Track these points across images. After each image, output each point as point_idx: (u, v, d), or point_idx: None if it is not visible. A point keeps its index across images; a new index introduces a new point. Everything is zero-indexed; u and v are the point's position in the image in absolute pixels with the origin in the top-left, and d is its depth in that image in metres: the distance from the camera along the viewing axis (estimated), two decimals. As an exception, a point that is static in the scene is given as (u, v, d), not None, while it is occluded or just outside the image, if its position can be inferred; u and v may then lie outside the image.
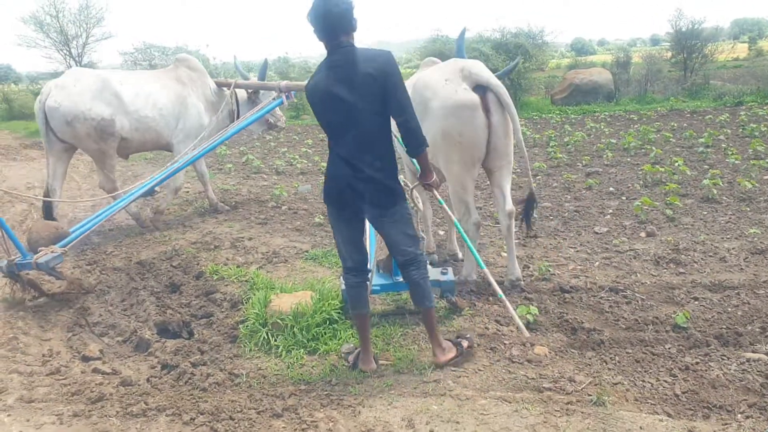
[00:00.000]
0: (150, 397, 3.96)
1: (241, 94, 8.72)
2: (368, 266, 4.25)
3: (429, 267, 4.58)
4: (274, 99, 8.08)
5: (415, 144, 3.83)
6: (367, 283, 4.21)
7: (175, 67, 8.52)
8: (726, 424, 3.43)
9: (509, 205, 5.29)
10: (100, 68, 15.03)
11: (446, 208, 4.95)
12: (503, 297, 4.60)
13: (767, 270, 5.65)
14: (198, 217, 8.56)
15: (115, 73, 8.21)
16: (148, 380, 4.22)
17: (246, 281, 5.76)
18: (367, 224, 4.26)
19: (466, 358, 4.17)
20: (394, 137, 4.01)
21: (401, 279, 4.55)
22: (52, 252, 5.57)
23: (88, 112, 7.25)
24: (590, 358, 4.22)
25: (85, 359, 4.58)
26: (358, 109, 3.67)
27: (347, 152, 3.78)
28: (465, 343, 4.21)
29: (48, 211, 7.54)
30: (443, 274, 4.97)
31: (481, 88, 5.04)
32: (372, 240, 5.09)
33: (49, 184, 7.68)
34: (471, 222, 5.33)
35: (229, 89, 8.50)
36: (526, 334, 4.53)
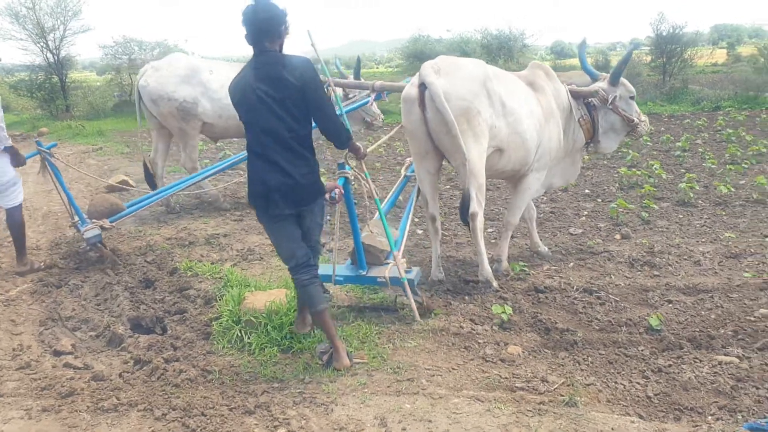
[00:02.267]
0: (122, 392, 3.92)
1: (339, 92, 8.79)
2: (312, 260, 4.24)
3: (393, 266, 4.85)
4: (367, 96, 8.14)
5: (339, 142, 4.21)
6: (317, 277, 4.23)
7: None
8: (696, 425, 3.46)
9: (471, 208, 5.28)
10: (78, 61, 14.87)
11: (370, 185, 4.92)
12: (405, 281, 4.76)
13: (741, 274, 5.72)
14: (173, 213, 8.49)
15: (208, 62, 8.72)
16: (120, 375, 4.17)
17: (220, 278, 5.72)
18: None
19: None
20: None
21: (365, 273, 4.97)
22: (100, 227, 6.36)
23: (173, 94, 7.96)
24: (563, 359, 4.24)
25: (57, 354, 4.52)
26: (275, 111, 3.84)
27: (266, 151, 3.93)
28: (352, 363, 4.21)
29: (150, 181, 8.42)
30: (407, 272, 4.94)
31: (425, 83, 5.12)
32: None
33: (152, 158, 8.56)
34: (427, 214, 5.64)
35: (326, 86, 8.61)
36: (418, 318, 4.71)
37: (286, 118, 3.86)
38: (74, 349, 4.59)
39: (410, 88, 5.28)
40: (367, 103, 8.05)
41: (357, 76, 8.75)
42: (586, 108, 6.15)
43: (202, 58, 9.55)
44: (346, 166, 4.71)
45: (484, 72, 5.30)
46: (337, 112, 7.78)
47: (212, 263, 6.23)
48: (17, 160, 6.10)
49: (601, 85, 6.12)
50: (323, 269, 5.01)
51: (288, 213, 4.01)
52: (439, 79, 5.09)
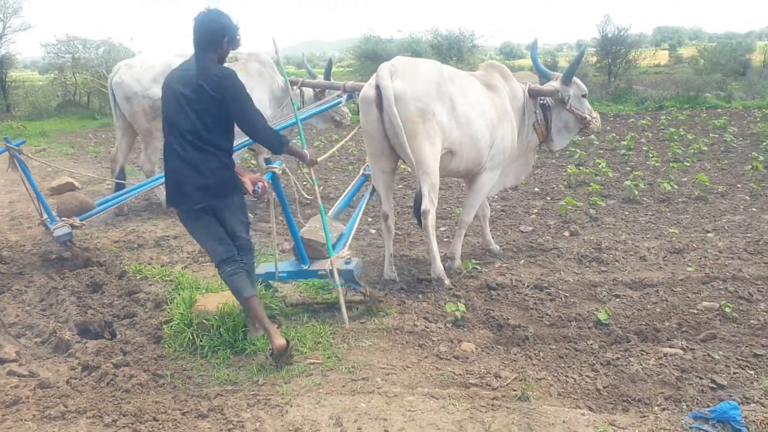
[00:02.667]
0: (69, 399, 3.82)
1: (309, 92, 8.83)
2: (236, 255, 4.34)
3: (335, 257, 4.92)
4: (338, 97, 8.06)
5: (274, 148, 4.37)
6: (243, 267, 4.33)
7: (246, 60, 8.80)
8: (644, 416, 3.56)
9: (423, 205, 5.35)
10: (18, 60, 14.40)
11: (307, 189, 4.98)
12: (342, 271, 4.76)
13: (684, 268, 5.89)
14: (121, 215, 8.31)
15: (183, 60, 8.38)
16: (67, 382, 4.06)
17: (171, 281, 5.64)
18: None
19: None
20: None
21: (307, 267, 5.02)
22: (70, 225, 6.20)
23: (146, 92, 7.87)
24: (515, 354, 4.31)
25: (0, 362, 4.38)
26: (190, 116, 4.04)
27: (179, 149, 4.11)
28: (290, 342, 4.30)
29: (120, 179, 8.31)
30: (346, 263, 4.95)
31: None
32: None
33: (112, 155, 8.65)
34: (380, 213, 5.70)
35: (296, 87, 8.59)
36: (346, 323, 4.70)
37: (198, 124, 4.04)
38: (18, 356, 4.44)
39: (368, 88, 5.31)
40: (339, 103, 8.06)
41: (328, 77, 8.81)
42: (541, 109, 6.25)
43: (177, 56, 9.43)
44: (277, 162, 4.75)
45: (440, 73, 5.35)
46: (307, 114, 7.81)
47: (162, 266, 6.13)
48: None
49: (555, 84, 6.23)
50: (267, 267, 5.09)
51: (201, 206, 4.15)
52: (395, 80, 5.12)
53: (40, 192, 6.39)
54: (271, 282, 5.11)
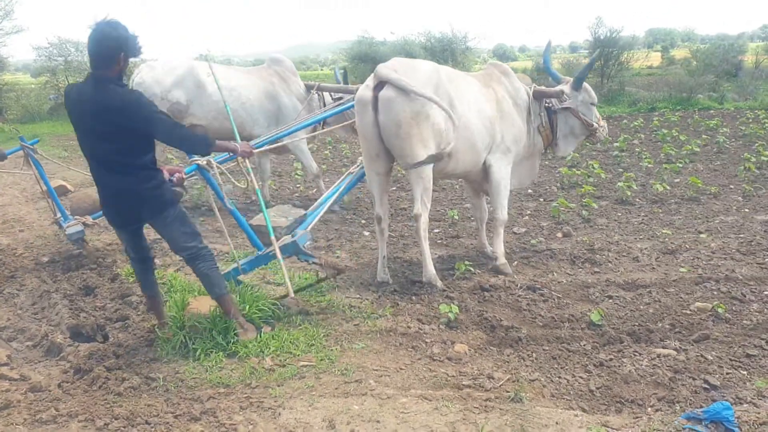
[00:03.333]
0: (61, 402, 3.80)
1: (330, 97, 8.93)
2: (152, 254, 4.69)
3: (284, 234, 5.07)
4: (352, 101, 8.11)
5: (202, 150, 4.35)
6: (152, 268, 4.67)
7: (269, 65, 8.89)
8: (637, 417, 3.56)
9: (415, 209, 5.38)
10: (10, 63, 14.37)
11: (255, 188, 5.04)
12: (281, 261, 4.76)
13: (677, 269, 5.90)
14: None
15: (206, 64, 8.40)
16: (59, 386, 4.04)
17: (163, 284, 5.61)
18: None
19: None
20: None
21: (262, 252, 5.07)
22: (83, 223, 6.35)
23: (166, 94, 7.92)
24: (508, 356, 4.31)
25: (-9, 366, 4.36)
26: (102, 140, 3.96)
27: (103, 172, 4.10)
28: (267, 329, 4.57)
29: None
30: (292, 236, 5.02)
31: (380, 85, 5.17)
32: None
33: None
34: (374, 215, 5.71)
35: (314, 91, 8.75)
36: (291, 294, 4.70)
37: (112, 151, 3.98)
38: (10, 360, 4.42)
39: (364, 90, 5.30)
40: (352, 107, 8.10)
41: (345, 82, 9.16)
42: (547, 112, 6.20)
43: (199, 59, 9.55)
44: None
45: (438, 75, 5.36)
46: (315, 118, 7.72)
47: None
48: None
49: (564, 88, 6.19)
50: (230, 266, 5.17)
51: (134, 221, 4.31)
52: (390, 84, 5.13)
53: (53, 189, 6.58)
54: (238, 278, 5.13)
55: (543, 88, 6.24)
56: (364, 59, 23.11)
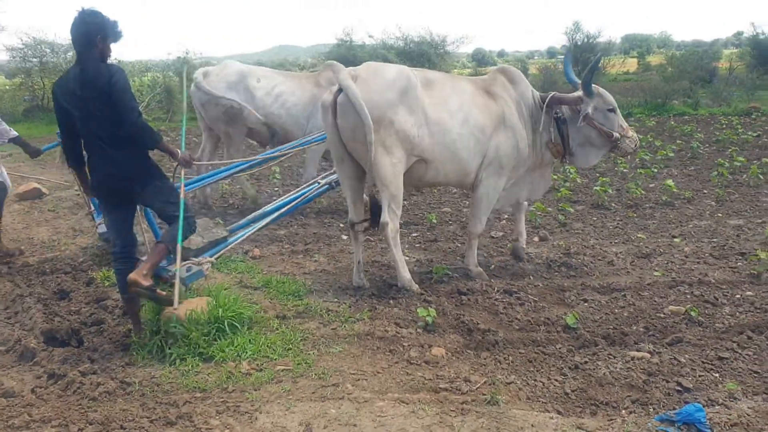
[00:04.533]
0: (34, 408, 3.75)
1: None
2: (136, 254, 4.69)
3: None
4: None
5: (146, 143, 4.46)
6: (134, 269, 4.41)
7: (324, 70, 9.04)
8: (611, 419, 3.60)
9: (382, 217, 5.36)
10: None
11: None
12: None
13: (651, 273, 5.98)
14: (89, 221, 8.20)
15: (258, 69, 8.97)
16: (32, 391, 3.99)
17: (140, 287, 5.55)
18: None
19: (156, 299, 4.47)
20: None
21: (166, 265, 4.90)
22: None
23: (219, 99, 8.15)
24: (485, 359, 4.34)
25: (-37, 371, 4.30)
26: (91, 109, 4.27)
27: (95, 143, 4.39)
28: (162, 293, 4.51)
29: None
30: (187, 270, 4.91)
31: (339, 90, 5.20)
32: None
33: (197, 157, 8.60)
34: (348, 220, 5.70)
35: None
36: (175, 304, 4.44)
37: (99, 115, 4.27)
38: (-18, 365, 4.37)
39: (327, 94, 5.35)
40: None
41: None
42: (556, 123, 5.86)
43: (249, 64, 9.68)
44: None
45: (407, 80, 5.30)
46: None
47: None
48: (30, 151, 6.59)
49: (580, 95, 5.82)
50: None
51: (129, 198, 4.58)
52: (345, 81, 5.16)
53: None
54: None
55: (561, 95, 5.87)
56: (343, 62, 23.12)
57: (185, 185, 5.08)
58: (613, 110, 5.85)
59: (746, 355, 4.27)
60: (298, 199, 6.22)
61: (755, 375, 4.03)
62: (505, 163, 5.70)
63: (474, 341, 4.60)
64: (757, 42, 26.80)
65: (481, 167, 5.67)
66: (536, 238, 7.27)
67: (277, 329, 4.78)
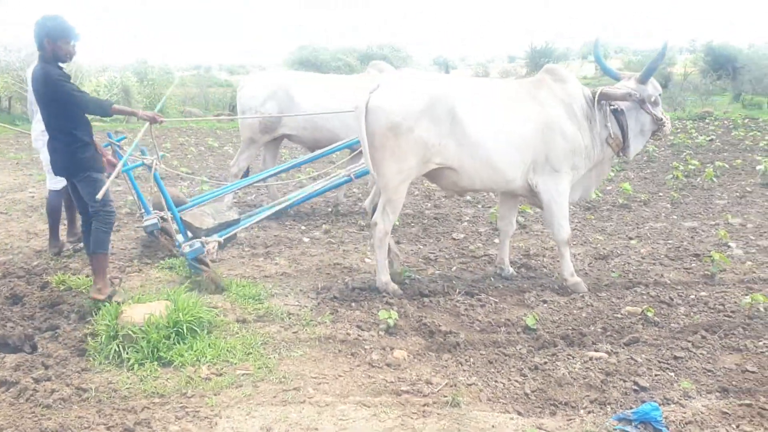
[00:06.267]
0: (-16, 417, 3.65)
1: None
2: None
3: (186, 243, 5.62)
4: None
5: (102, 112, 5.13)
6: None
7: (370, 70, 9.20)
8: (570, 419, 3.65)
9: (374, 216, 5.49)
10: None
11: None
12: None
13: (608, 274, 6.08)
14: (43, 224, 8.00)
15: (298, 75, 9.29)
16: (-18, 400, 3.88)
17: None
18: None
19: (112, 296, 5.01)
20: None
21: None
22: (160, 218, 6.50)
23: (260, 108, 8.37)
24: (446, 360, 4.35)
25: None
26: (41, 104, 5.00)
27: (50, 131, 5.07)
28: (110, 293, 5.08)
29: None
30: (190, 246, 5.57)
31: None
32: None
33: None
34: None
35: None
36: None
37: (45, 108, 4.97)
38: (-70, 373, 4.23)
39: (361, 97, 5.30)
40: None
41: None
42: (614, 115, 5.73)
43: (293, 73, 9.78)
44: (120, 137, 5.88)
45: (438, 89, 5.25)
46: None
47: (87, 276, 5.92)
48: None
49: (629, 84, 5.73)
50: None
51: (66, 179, 5.35)
52: (377, 93, 5.20)
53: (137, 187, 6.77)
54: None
55: (608, 89, 5.67)
56: (305, 64, 23.28)
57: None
58: (660, 96, 5.87)
59: (700, 354, 4.37)
60: (317, 188, 6.75)
61: (709, 374, 4.12)
62: (558, 166, 5.51)
63: (435, 343, 4.61)
64: (711, 49, 27.46)
65: (532, 174, 5.52)
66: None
67: (237, 333, 4.73)
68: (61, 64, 4.96)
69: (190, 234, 5.89)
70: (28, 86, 7.49)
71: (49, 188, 6.73)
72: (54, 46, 4.84)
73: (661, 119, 5.74)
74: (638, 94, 5.59)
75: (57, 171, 5.22)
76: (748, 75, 24.72)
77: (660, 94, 5.83)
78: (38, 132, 6.48)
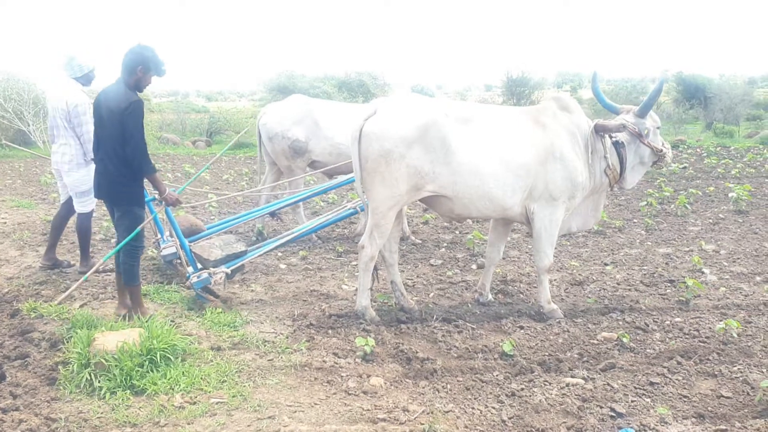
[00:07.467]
0: (-51, 449, 3.56)
1: None
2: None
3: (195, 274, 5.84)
4: None
5: (144, 167, 5.13)
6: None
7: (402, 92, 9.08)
8: (547, 445, 3.63)
9: (361, 240, 5.51)
10: None
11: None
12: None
13: (584, 300, 6.11)
14: (15, 250, 7.89)
15: (323, 102, 9.31)
16: (-52, 430, 3.78)
17: (68, 319, 5.36)
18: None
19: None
20: None
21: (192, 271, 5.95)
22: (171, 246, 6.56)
23: (286, 132, 8.40)
24: (424, 387, 4.32)
25: None
26: (106, 126, 5.08)
27: (102, 155, 5.19)
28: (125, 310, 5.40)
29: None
30: (198, 277, 5.82)
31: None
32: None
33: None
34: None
35: None
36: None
37: (110, 134, 5.05)
38: None
39: (356, 121, 5.31)
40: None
41: None
42: (614, 147, 5.79)
43: (319, 100, 9.72)
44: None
45: (432, 116, 5.21)
46: None
47: (59, 304, 5.83)
48: None
49: (627, 118, 5.85)
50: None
51: (106, 204, 5.44)
52: (373, 118, 5.21)
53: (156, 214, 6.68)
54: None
55: (604, 122, 5.73)
56: (283, 90, 23.38)
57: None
58: (659, 128, 6.00)
59: (676, 380, 4.39)
60: (322, 220, 7.03)
61: (685, 399, 4.14)
62: (557, 195, 5.51)
63: (413, 370, 4.59)
64: (681, 79, 27.99)
65: (529, 200, 5.51)
66: (474, 266, 7.34)
67: (211, 361, 4.66)
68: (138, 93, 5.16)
69: (199, 265, 6.01)
70: (48, 105, 7.48)
71: (78, 211, 6.83)
72: (144, 76, 5.10)
73: (662, 150, 5.90)
74: (634, 125, 5.76)
75: (99, 194, 5.36)
76: (719, 104, 25.19)
77: (659, 127, 5.97)
78: (62, 159, 6.65)
